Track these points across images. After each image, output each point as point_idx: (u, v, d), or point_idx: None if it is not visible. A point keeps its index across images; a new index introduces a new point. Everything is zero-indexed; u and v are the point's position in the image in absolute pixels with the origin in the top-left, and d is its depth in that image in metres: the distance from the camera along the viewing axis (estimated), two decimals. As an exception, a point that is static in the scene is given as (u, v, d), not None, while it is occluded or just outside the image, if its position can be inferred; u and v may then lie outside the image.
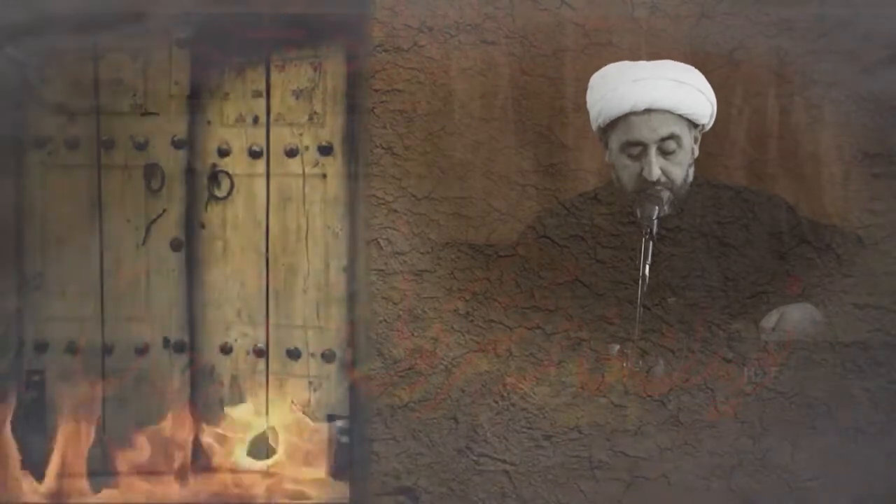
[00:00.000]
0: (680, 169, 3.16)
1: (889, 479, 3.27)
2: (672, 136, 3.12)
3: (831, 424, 3.26)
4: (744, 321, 3.25)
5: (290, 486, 3.50)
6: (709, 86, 3.16)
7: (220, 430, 3.54)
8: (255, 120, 3.54)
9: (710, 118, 3.18)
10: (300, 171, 3.51)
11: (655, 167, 3.13)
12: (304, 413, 3.52)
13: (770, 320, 3.23)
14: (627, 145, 3.14)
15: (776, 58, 3.22)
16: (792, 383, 3.26)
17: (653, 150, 3.12)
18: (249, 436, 3.54)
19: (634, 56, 3.21)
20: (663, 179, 3.14)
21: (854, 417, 3.26)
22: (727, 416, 3.27)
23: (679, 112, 3.12)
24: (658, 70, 3.15)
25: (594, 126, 3.19)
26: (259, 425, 3.54)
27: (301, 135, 3.51)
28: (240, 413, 3.56)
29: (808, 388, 3.26)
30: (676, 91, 3.12)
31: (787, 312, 3.23)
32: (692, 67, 3.17)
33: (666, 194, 3.17)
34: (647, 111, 3.11)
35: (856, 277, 3.24)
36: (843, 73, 3.21)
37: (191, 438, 3.53)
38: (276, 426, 3.53)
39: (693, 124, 3.16)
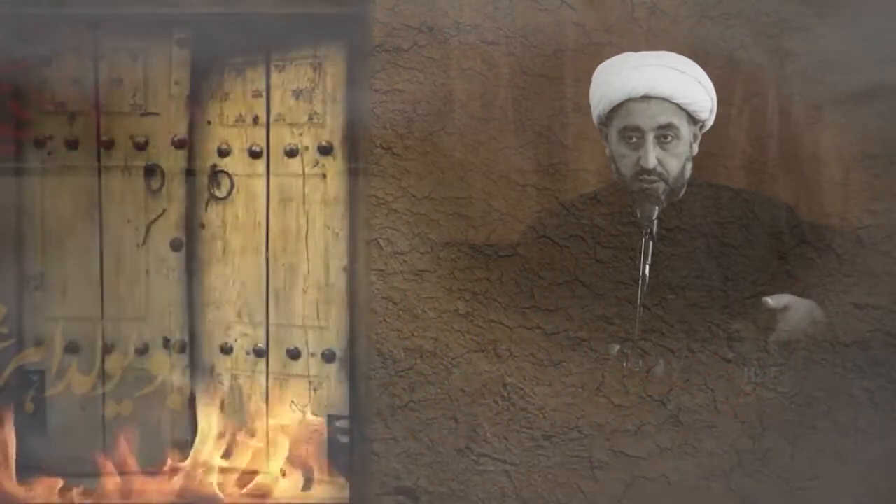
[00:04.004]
0: (676, 161, 3.17)
1: (889, 479, 3.27)
2: (669, 126, 3.14)
3: (831, 424, 3.26)
4: (744, 321, 3.25)
5: (290, 486, 3.50)
6: (709, 80, 3.17)
7: (220, 430, 3.55)
8: (256, 120, 3.54)
9: (710, 114, 3.19)
10: (300, 171, 3.52)
11: (652, 155, 3.14)
12: (303, 413, 3.52)
13: (779, 300, 3.22)
14: (626, 131, 3.15)
15: (776, 58, 3.23)
16: (792, 383, 3.26)
17: (650, 138, 3.14)
18: (249, 436, 3.54)
19: (634, 56, 3.23)
20: (659, 169, 3.16)
21: (854, 417, 3.26)
22: (727, 416, 3.27)
23: (677, 101, 3.14)
24: (659, 59, 3.17)
25: (595, 116, 3.20)
26: (259, 425, 3.54)
27: (301, 135, 3.51)
28: (240, 412, 3.56)
29: (808, 388, 3.26)
30: (675, 79, 3.14)
31: (797, 305, 3.23)
32: (694, 62, 3.18)
33: (661, 186, 3.17)
34: (646, 98, 3.13)
35: (856, 277, 3.24)
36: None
37: (190, 438, 3.54)
38: (275, 426, 3.54)
39: (693, 119, 3.17)
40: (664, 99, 3.14)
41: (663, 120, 3.14)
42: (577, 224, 3.26)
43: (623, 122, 3.15)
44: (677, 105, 3.14)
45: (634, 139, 3.15)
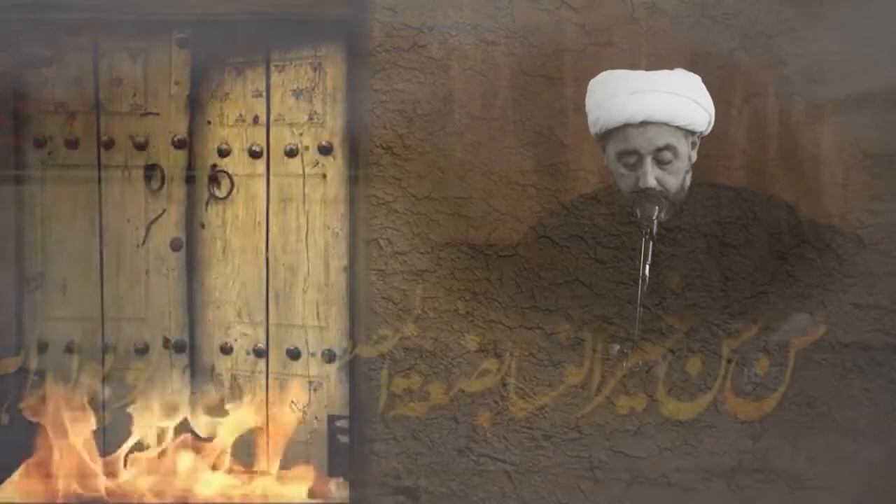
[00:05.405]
0: (675, 178, 3.16)
1: (889, 479, 3.27)
2: (668, 147, 3.11)
3: (831, 424, 3.26)
4: (744, 321, 3.25)
5: (290, 486, 3.50)
6: (706, 94, 3.15)
7: (220, 430, 3.55)
8: (256, 120, 3.54)
9: (708, 125, 3.18)
10: (300, 171, 3.52)
11: (651, 177, 3.12)
12: (303, 413, 3.52)
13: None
14: (624, 154, 3.13)
15: (776, 58, 3.22)
16: (792, 383, 3.26)
17: (648, 160, 3.11)
18: (250, 436, 3.54)
19: (634, 56, 3.22)
20: (658, 188, 3.14)
21: (854, 417, 3.26)
22: (727, 416, 3.27)
23: (675, 125, 3.11)
24: (654, 83, 3.13)
25: (592, 132, 3.19)
26: (259, 425, 3.54)
27: (301, 135, 3.51)
28: (240, 413, 3.56)
29: (808, 388, 3.26)
30: (673, 104, 3.10)
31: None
32: (691, 76, 3.16)
33: (662, 200, 3.16)
34: (644, 123, 3.10)
35: (856, 277, 3.24)
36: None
37: (191, 437, 3.54)
38: (276, 426, 3.53)
39: (691, 132, 3.15)
40: (662, 123, 3.11)
41: (661, 142, 3.11)
42: (577, 224, 3.26)
43: (621, 145, 3.13)
44: (675, 126, 3.12)
45: (632, 161, 3.13)
